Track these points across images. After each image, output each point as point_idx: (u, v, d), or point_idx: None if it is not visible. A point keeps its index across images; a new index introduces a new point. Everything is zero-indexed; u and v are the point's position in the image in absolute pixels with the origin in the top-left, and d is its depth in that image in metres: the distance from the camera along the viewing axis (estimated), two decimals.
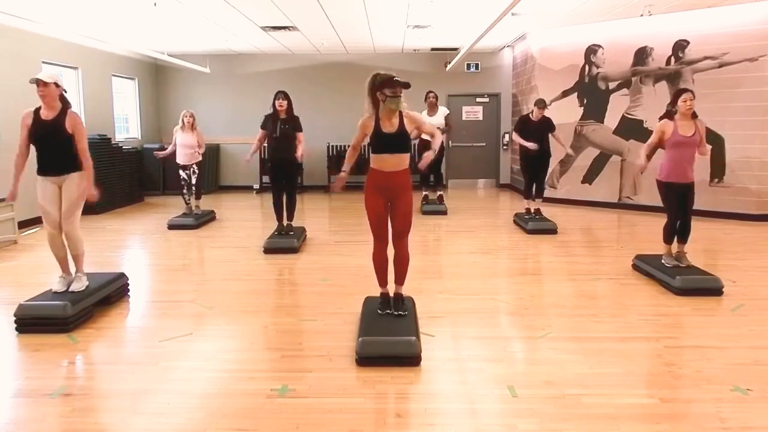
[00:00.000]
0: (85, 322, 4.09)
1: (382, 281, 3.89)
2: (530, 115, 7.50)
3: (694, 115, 4.90)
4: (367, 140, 3.80)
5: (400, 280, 3.87)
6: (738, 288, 4.82)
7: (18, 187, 4.23)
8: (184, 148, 7.91)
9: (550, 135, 7.45)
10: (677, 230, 5.03)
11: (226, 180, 12.38)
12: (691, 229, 5.03)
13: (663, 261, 5.08)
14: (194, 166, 8.01)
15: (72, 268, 4.34)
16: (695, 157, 4.95)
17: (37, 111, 4.11)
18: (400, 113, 3.70)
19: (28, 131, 4.11)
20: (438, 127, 8.36)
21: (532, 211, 7.60)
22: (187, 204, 8.11)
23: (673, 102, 4.94)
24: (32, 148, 4.18)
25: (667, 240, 5.10)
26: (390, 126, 3.69)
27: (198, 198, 8.19)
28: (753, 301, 4.51)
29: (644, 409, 2.85)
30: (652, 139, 5.04)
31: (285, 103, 6.37)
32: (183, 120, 7.90)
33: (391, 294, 3.89)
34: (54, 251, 4.24)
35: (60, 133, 4.04)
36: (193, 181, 8.04)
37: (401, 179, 3.72)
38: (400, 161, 3.69)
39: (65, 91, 4.21)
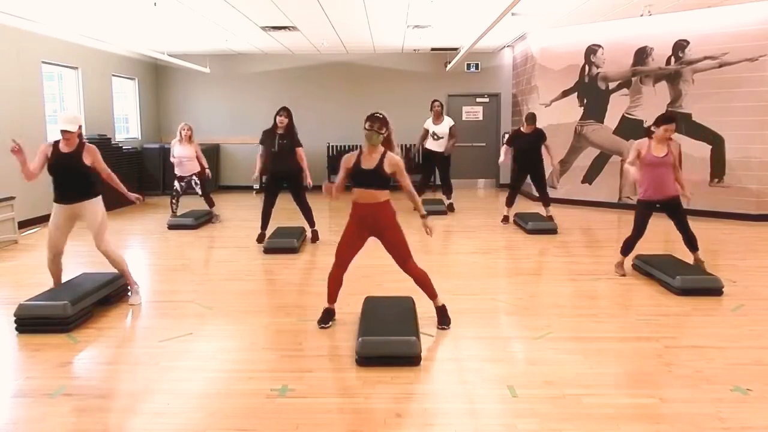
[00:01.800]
0: (85, 322, 4.09)
1: (331, 297, 4.03)
2: (521, 128, 7.64)
3: (670, 138, 4.97)
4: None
5: (431, 294, 3.98)
6: (738, 288, 4.82)
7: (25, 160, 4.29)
8: (182, 159, 7.95)
9: (542, 146, 7.55)
10: (685, 244, 5.14)
11: (226, 180, 12.38)
12: (695, 235, 5.12)
13: (615, 270, 5.27)
14: (194, 177, 8.01)
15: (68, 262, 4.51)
16: (672, 175, 5.02)
17: (56, 144, 4.35)
18: (384, 152, 3.79)
19: (45, 161, 4.33)
20: (441, 137, 8.42)
21: (545, 216, 7.61)
22: (173, 212, 8.12)
23: (657, 123, 4.98)
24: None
25: (624, 251, 5.24)
26: (369, 162, 3.79)
27: (211, 206, 8.16)
28: (753, 301, 4.51)
29: (644, 409, 2.85)
30: (631, 156, 5.09)
31: (286, 120, 6.45)
32: (181, 133, 7.93)
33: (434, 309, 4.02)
34: (50, 269, 4.49)
35: (78, 164, 4.32)
36: (199, 192, 8.05)
37: (380, 212, 3.81)
38: (374, 196, 3.79)
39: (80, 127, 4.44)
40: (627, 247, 5.21)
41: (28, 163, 4.24)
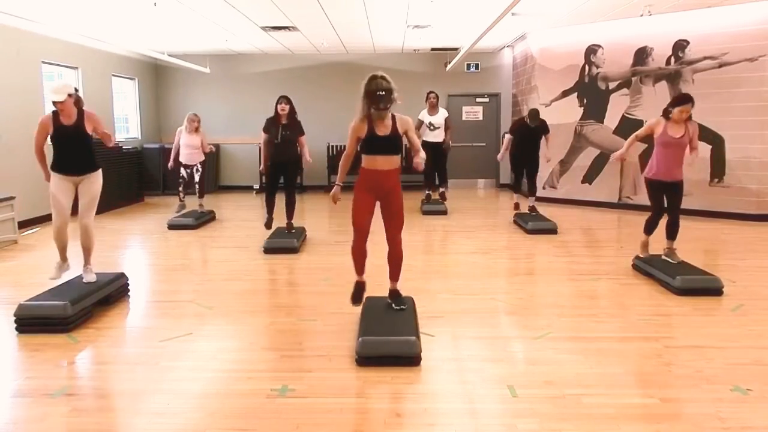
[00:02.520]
0: (85, 322, 4.09)
1: (360, 269, 3.98)
2: (525, 119, 7.63)
3: (689, 118, 4.95)
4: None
5: (395, 276, 4.01)
6: (738, 288, 4.82)
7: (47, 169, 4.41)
8: (188, 148, 7.97)
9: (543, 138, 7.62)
10: (666, 227, 5.16)
11: (226, 180, 12.38)
12: (680, 227, 5.15)
13: (639, 254, 5.34)
14: (198, 164, 8.06)
15: (71, 261, 4.51)
16: (684, 157, 5.02)
17: (55, 115, 4.27)
18: (393, 115, 3.79)
19: (47, 135, 4.30)
20: (438, 127, 8.45)
21: (528, 209, 7.76)
22: (181, 201, 8.18)
23: (672, 104, 4.96)
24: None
25: (647, 231, 5.30)
26: (383, 128, 3.75)
27: (201, 197, 8.23)
28: (753, 301, 4.51)
29: (644, 409, 2.85)
30: (641, 131, 5.17)
31: (287, 107, 6.43)
32: (188, 122, 7.94)
33: (388, 290, 4.02)
34: (58, 240, 4.43)
35: (82, 136, 4.30)
36: (197, 179, 8.08)
37: (392, 179, 3.80)
38: (392, 162, 3.79)
39: (76, 90, 4.37)
40: (649, 227, 5.28)
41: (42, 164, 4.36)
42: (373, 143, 3.75)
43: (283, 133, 6.41)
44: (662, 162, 5.02)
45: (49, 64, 8.64)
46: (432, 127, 8.53)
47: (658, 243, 5.30)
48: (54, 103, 4.17)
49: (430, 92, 8.65)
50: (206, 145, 8.07)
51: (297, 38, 9.77)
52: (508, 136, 7.79)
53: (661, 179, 5.05)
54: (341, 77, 11.92)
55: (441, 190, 8.90)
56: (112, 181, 9.31)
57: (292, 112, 6.48)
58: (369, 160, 3.79)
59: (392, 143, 3.76)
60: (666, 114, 4.99)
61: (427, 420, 2.78)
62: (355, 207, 3.84)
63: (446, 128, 8.57)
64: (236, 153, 12.19)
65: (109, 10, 7.35)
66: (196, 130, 7.97)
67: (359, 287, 4.00)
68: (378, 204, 3.86)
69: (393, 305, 3.93)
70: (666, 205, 5.15)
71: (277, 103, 6.46)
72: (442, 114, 8.60)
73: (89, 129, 4.33)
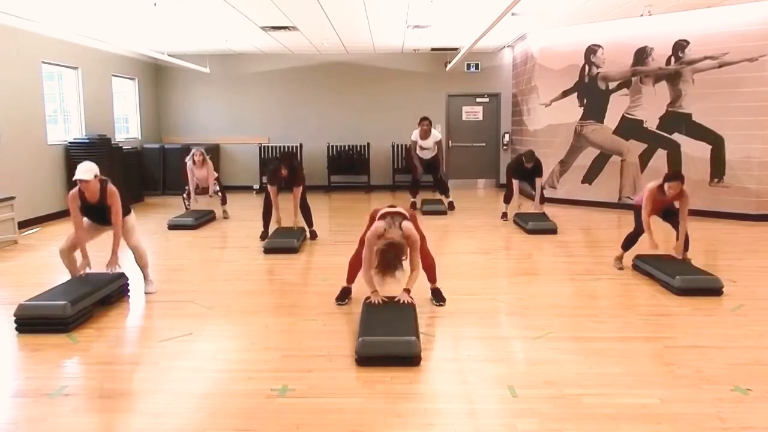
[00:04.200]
0: (85, 322, 4.09)
1: (351, 278, 4.44)
2: (523, 160, 7.74)
3: (681, 193, 5.05)
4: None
5: (432, 279, 4.49)
6: (738, 288, 4.82)
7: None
8: (201, 181, 8.31)
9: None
10: (677, 241, 5.23)
11: (226, 180, 12.29)
12: (689, 237, 5.21)
13: (614, 264, 5.48)
14: (212, 190, 8.36)
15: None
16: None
17: (81, 193, 4.47)
18: (402, 227, 3.98)
19: (78, 208, 4.53)
20: (427, 149, 8.67)
21: (533, 207, 7.86)
22: (187, 208, 8.32)
23: (664, 179, 5.08)
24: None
25: (625, 246, 5.42)
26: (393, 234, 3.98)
27: (224, 203, 8.55)
28: (753, 301, 4.51)
29: (644, 409, 2.85)
30: (646, 207, 5.16)
31: (286, 172, 6.64)
32: (194, 159, 8.16)
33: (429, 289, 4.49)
34: (65, 264, 4.62)
35: (106, 210, 4.58)
36: (217, 189, 8.38)
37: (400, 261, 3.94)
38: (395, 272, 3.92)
39: (104, 179, 4.59)
40: (628, 242, 5.42)
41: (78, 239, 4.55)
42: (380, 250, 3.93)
43: (284, 187, 6.80)
44: (654, 208, 5.20)
45: (49, 64, 8.64)
46: (422, 150, 8.78)
47: (658, 243, 5.29)
48: (79, 181, 4.37)
49: (424, 119, 8.70)
50: (213, 184, 8.28)
51: (297, 38, 9.77)
52: (516, 183, 7.92)
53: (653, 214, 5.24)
54: (341, 77, 11.92)
55: (448, 200, 8.99)
56: (112, 181, 9.37)
57: (293, 170, 6.68)
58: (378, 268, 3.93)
59: (397, 261, 3.87)
60: (660, 187, 5.10)
61: (427, 420, 2.78)
62: (366, 246, 4.05)
63: (438, 150, 8.80)
64: (236, 153, 12.18)
65: (109, 10, 7.34)
66: (203, 163, 8.19)
67: (345, 291, 4.46)
68: None
69: (434, 302, 4.42)
70: (673, 226, 5.28)
71: (280, 163, 6.68)
72: (433, 138, 8.74)
73: (110, 203, 4.56)
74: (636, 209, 5.38)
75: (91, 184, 4.43)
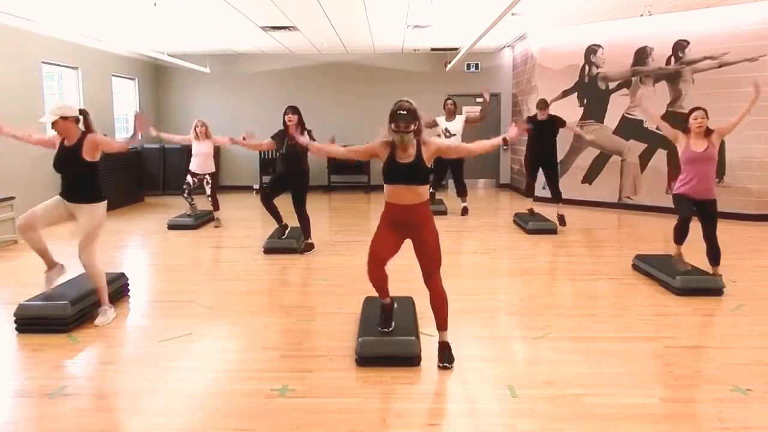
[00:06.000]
0: (85, 322, 4.08)
1: (383, 293, 3.50)
2: (537, 115, 7.38)
3: (708, 133, 4.80)
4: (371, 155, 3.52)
5: (442, 325, 3.40)
6: (738, 288, 4.82)
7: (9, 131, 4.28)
8: (198, 156, 7.82)
9: (562, 130, 7.35)
10: (706, 255, 4.84)
11: (226, 180, 12.36)
12: (719, 249, 4.79)
13: (676, 266, 4.86)
14: (207, 176, 7.86)
15: (53, 262, 4.32)
16: (714, 173, 4.82)
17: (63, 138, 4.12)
18: (419, 141, 3.32)
19: (48, 145, 4.20)
20: (454, 134, 8.23)
21: (557, 216, 7.38)
22: (191, 205, 8.01)
23: (686, 118, 4.86)
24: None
25: (677, 239, 4.84)
26: (406, 156, 3.29)
27: (216, 209, 7.95)
28: (753, 301, 4.51)
29: (644, 409, 2.85)
30: (668, 131, 4.98)
31: (294, 117, 6.03)
32: (195, 130, 7.82)
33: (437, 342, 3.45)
34: (35, 250, 4.18)
35: (75, 160, 4.02)
36: (208, 191, 7.87)
37: (419, 213, 3.36)
38: (416, 194, 3.32)
39: (81, 116, 4.17)
40: (678, 234, 4.81)
41: (20, 134, 4.19)
42: (393, 171, 3.30)
43: (289, 143, 6.01)
44: (691, 178, 4.76)
45: (49, 64, 8.64)
46: (449, 134, 8.26)
47: (658, 243, 5.28)
48: (51, 124, 3.99)
49: (448, 99, 8.43)
50: (223, 141, 7.61)
51: (297, 38, 9.77)
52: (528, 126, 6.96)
53: (689, 195, 4.78)
54: (341, 77, 11.92)
55: (464, 205, 8.60)
56: (112, 181, 9.37)
57: (301, 122, 6.05)
58: (390, 192, 3.35)
59: (415, 172, 3.27)
60: (686, 130, 4.85)
61: (427, 420, 2.78)
62: (376, 236, 3.43)
63: (477, 119, 8.37)
64: (236, 153, 12.16)
65: (109, 10, 7.34)
66: (206, 135, 7.82)
67: (386, 309, 3.54)
68: (410, 241, 3.46)
69: (439, 363, 3.32)
70: (703, 235, 4.81)
71: (284, 114, 6.11)
72: (460, 120, 8.35)
73: (88, 155, 4.02)
74: (675, 197, 4.88)
75: (59, 127, 3.96)
